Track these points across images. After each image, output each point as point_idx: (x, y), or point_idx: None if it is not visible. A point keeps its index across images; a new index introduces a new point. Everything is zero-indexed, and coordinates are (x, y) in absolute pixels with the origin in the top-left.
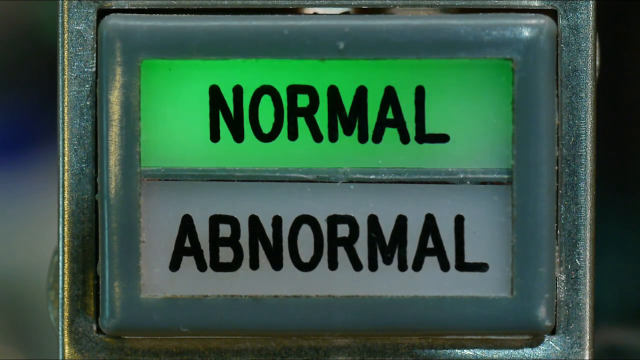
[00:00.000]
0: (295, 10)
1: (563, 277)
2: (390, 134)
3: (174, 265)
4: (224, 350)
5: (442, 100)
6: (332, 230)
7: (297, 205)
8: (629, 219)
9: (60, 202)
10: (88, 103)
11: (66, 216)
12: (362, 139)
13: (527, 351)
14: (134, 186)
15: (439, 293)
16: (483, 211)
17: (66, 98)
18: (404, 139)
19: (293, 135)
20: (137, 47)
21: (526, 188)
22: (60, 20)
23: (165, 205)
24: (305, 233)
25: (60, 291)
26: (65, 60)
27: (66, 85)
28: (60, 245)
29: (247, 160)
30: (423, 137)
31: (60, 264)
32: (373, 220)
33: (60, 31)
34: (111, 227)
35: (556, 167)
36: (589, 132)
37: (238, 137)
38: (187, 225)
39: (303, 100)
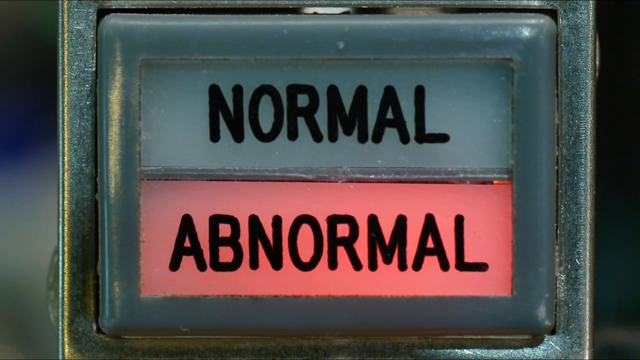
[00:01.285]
0: (295, 10)
1: (563, 277)
2: (390, 133)
3: (174, 265)
4: (223, 350)
5: (442, 100)
6: (332, 230)
7: (297, 205)
8: (629, 219)
9: (60, 202)
10: (88, 103)
11: (66, 216)
12: (362, 138)
13: (527, 351)
14: (133, 186)
15: (439, 293)
16: (483, 211)
17: (66, 98)
18: (404, 138)
19: (293, 135)
20: (137, 46)
21: (526, 188)
22: (60, 20)
23: (165, 205)
24: (305, 233)
25: (60, 291)
26: (65, 60)
27: (66, 85)
28: (60, 245)
29: (247, 160)
30: (423, 136)
31: (60, 263)
32: (373, 220)
33: (60, 31)
34: (111, 227)
35: (556, 167)
36: (589, 132)
37: (238, 137)
38: (187, 225)
39: (303, 100)
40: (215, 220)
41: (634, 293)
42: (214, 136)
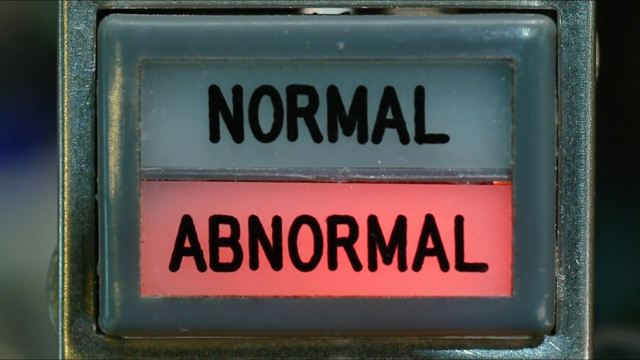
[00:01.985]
0: (295, 11)
1: (563, 278)
2: (390, 134)
3: (174, 265)
4: (223, 350)
5: (442, 100)
6: (331, 230)
7: (297, 205)
8: (629, 219)
9: (60, 202)
10: (88, 103)
11: (66, 216)
12: (362, 139)
13: (527, 351)
14: (133, 186)
15: (439, 293)
16: (483, 211)
17: (66, 98)
18: (404, 139)
19: (293, 135)
20: (136, 47)
21: (526, 188)
22: (60, 21)
23: (165, 205)
24: (305, 233)
25: (60, 291)
26: (65, 61)
27: (66, 85)
28: (60, 245)
29: (247, 160)
30: (423, 137)
31: (60, 264)
32: (373, 221)
33: (60, 31)
34: (111, 227)
35: (556, 168)
36: (589, 132)
37: (238, 137)
38: (187, 225)
39: (303, 101)
40: (215, 221)
41: (634, 293)
42: (214, 136)
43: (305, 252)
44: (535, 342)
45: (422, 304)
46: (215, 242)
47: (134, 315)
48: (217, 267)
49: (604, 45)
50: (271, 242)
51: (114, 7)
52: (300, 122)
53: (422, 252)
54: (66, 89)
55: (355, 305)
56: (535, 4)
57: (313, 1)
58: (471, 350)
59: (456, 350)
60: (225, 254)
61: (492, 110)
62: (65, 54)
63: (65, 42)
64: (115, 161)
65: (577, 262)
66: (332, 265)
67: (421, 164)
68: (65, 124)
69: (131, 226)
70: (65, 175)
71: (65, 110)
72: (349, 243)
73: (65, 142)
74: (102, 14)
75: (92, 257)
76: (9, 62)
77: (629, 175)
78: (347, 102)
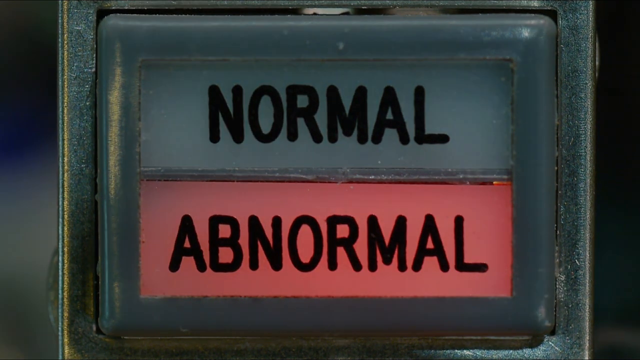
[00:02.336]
0: (295, 11)
1: (563, 278)
2: (390, 134)
3: (174, 266)
4: (223, 351)
5: (442, 100)
6: (331, 230)
7: (297, 205)
8: (629, 219)
9: (60, 203)
10: (88, 103)
11: (66, 216)
12: (362, 139)
13: (527, 351)
14: (133, 186)
15: (439, 293)
16: (483, 211)
17: (66, 98)
18: (404, 139)
19: (293, 135)
20: (136, 47)
21: (526, 188)
22: (60, 21)
23: (165, 205)
24: (305, 233)
25: (60, 291)
26: (65, 61)
27: (66, 85)
28: (60, 246)
29: (247, 160)
30: (423, 137)
31: (60, 264)
32: (373, 221)
33: (60, 31)
34: (111, 228)
35: (556, 168)
36: (589, 133)
37: (237, 137)
38: (186, 225)
39: (302, 101)
40: (215, 221)
41: (634, 293)
42: (214, 137)
43: (305, 252)
44: (535, 342)
45: (422, 304)
46: (215, 242)
47: (134, 316)
48: (217, 267)
49: (604, 45)
50: (271, 242)
51: (114, 7)
52: (300, 122)
53: (422, 252)
54: (66, 89)
55: (355, 305)
56: (535, 4)
57: (313, 1)
58: (471, 350)
59: (456, 350)
60: (225, 254)
61: (492, 111)
62: (65, 54)
63: (65, 42)
64: (115, 161)
65: (577, 262)
66: (332, 265)
67: (421, 164)
68: (65, 124)
69: (131, 226)
70: (65, 175)
71: (65, 110)
72: (349, 243)
73: (65, 142)
74: (102, 14)
75: (92, 257)
76: (9, 62)
77: (629, 175)
78: (347, 102)
